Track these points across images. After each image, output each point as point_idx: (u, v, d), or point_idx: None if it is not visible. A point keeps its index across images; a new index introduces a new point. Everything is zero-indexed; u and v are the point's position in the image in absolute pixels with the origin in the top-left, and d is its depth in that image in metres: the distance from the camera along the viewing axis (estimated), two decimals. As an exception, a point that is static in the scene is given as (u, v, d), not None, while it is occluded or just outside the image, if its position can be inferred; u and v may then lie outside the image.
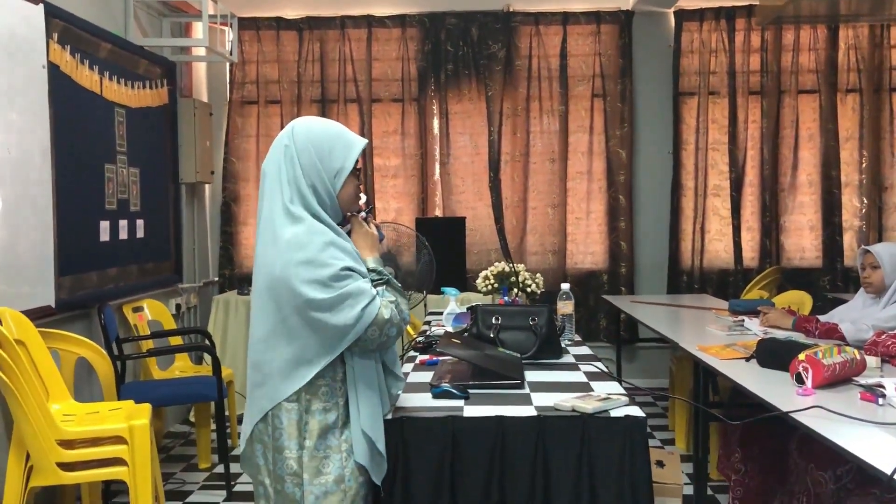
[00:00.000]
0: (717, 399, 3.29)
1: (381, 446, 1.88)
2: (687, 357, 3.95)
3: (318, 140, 1.87)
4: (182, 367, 4.61)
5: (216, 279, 5.70)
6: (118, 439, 2.91)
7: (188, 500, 3.72)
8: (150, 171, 4.61)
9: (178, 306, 5.05)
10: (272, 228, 1.84)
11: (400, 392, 2.09)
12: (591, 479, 1.92)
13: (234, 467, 4.05)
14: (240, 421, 4.78)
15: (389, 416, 1.98)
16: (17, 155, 3.24)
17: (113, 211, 4.13)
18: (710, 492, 3.40)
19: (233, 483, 3.87)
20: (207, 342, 4.38)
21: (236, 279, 5.65)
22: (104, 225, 4.00)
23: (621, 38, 5.55)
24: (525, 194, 5.63)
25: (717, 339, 3.21)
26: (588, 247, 5.69)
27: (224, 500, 3.70)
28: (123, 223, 4.27)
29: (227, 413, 4.08)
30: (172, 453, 4.43)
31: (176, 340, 4.56)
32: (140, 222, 4.48)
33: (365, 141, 1.94)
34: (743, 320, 3.59)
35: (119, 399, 3.47)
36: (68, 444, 2.84)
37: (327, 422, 1.86)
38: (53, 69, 3.51)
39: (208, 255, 5.68)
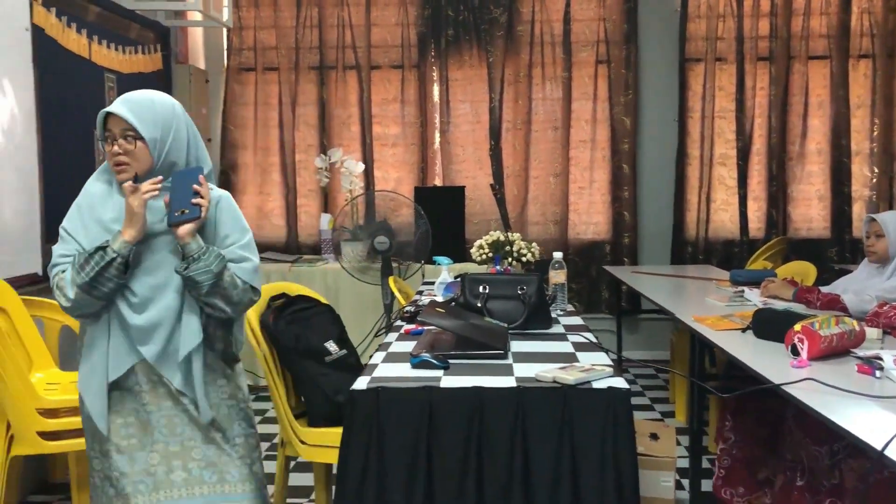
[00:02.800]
0: (713, 371, 3.22)
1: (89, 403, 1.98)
2: (686, 328, 3.88)
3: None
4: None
5: (215, 249, 5.64)
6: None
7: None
8: (143, 138, 4.53)
9: (174, 276, 5.00)
10: None
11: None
12: (573, 451, 1.86)
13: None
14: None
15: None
16: (-1, 120, 3.18)
17: (103, 178, 4.07)
18: (706, 465, 3.34)
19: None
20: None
21: (235, 249, 5.59)
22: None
23: (626, 2, 5.40)
24: (527, 163, 5.52)
25: (715, 310, 3.13)
26: (591, 217, 5.59)
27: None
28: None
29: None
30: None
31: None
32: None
33: (103, 111, 1.97)
34: (743, 291, 3.50)
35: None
36: (52, 412, 2.80)
37: None
38: (38, 32, 3.43)
39: (206, 224, 5.62)
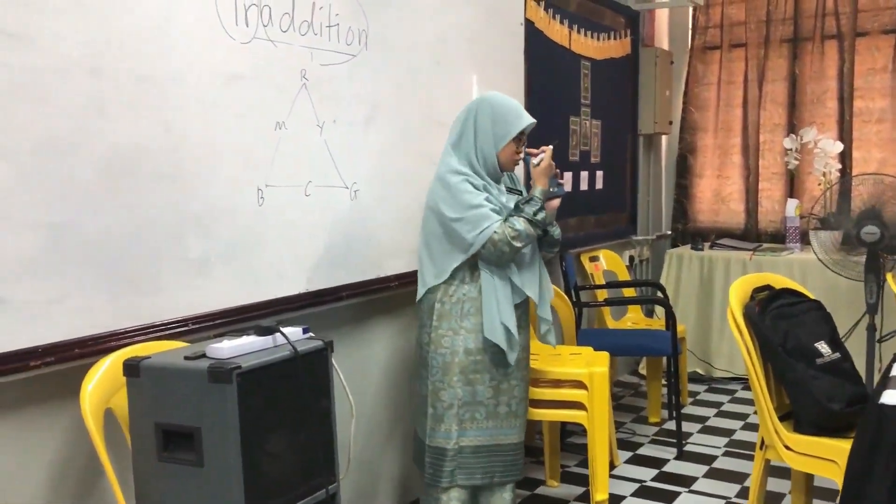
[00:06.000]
0: None
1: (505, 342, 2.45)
2: None
3: (492, 109, 2.48)
4: (634, 318, 4.62)
5: (669, 233, 5.59)
6: (577, 384, 2.98)
7: (639, 451, 3.72)
8: (610, 122, 4.65)
9: (631, 258, 5.06)
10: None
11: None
12: None
13: (686, 426, 3.95)
14: (690, 379, 4.69)
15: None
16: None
17: (575, 162, 4.26)
18: None
19: (684, 442, 3.76)
20: (661, 295, 4.31)
21: (689, 234, 5.47)
22: (566, 176, 4.15)
23: None
24: None
25: None
26: None
27: (674, 458, 3.62)
28: (584, 174, 4.38)
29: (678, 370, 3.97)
30: (622, 402, 4.49)
31: (629, 292, 4.58)
32: (599, 174, 4.56)
33: (533, 121, 2.50)
34: None
35: (577, 344, 3.59)
36: (533, 382, 3.00)
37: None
38: (529, 25, 3.68)
39: (662, 208, 5.59)
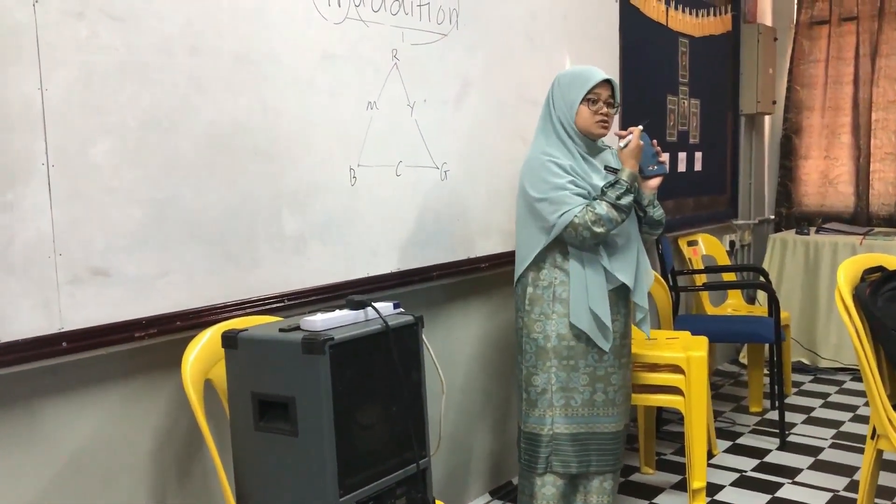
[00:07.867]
0: None
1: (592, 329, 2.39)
2: None
3: (561, 80, 2.42)
4: (734, 304, 4.45)
5: (772, 217, 5.36)
6: (674, 368, 2.89)
7: (738, 441, 3.58)
8: (709, 102, 4.48)
9: (731, 243, 4.89)
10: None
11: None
12: None
13: (789, 416, 3.79)
14: (794, 368, 4.50)
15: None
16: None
17: (672, 143, 4.13)
18: None
19: (787, 432, 3.60)
20: (763, 280, 4.14)
21: (794, 218, 5.23)
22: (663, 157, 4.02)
23: None
24: None
25: None
26: None
27: (777, 449, 3.47)
28: (682, 155, 4.25)
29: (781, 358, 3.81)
30: (721, 391, 4.34)
31: (729, 277, 4.42)
32: (698, 155, 4.41)
33: (602, 77, 2.36)
34: None
35: (674, 329, 3.48)
36: (628, 365, 2.93)
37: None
38: (623, 2, 3.59)
39: (764, 191, 5.37)
